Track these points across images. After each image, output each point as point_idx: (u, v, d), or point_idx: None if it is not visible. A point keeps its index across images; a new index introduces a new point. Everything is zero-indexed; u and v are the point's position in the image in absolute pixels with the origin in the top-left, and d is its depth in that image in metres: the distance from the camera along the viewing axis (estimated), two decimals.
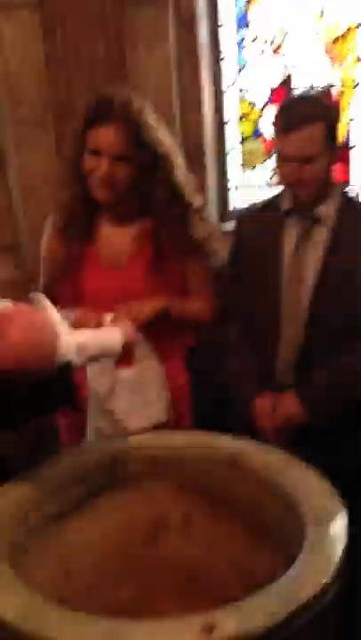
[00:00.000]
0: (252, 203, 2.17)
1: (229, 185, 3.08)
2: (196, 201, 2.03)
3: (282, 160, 1.87)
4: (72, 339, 1.55)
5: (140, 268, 1.98)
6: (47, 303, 1.57)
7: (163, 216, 1.96)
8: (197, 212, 2.02)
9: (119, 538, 1.64)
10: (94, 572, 1.57)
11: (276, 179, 2.67)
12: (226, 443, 1.67)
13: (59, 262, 2.04)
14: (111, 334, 1.70)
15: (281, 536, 1.47)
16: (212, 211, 2.97)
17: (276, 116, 1.90)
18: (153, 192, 1.94)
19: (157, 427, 1.90)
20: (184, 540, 1.66)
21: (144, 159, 1.90)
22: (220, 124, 3.01)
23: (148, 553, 1.66)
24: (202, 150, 2.91)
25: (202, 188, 2.12)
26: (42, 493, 1.53)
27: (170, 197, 1.95)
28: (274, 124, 1.90)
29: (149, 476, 1.68)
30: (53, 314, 1.56)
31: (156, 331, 1.91)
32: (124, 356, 1.90)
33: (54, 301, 2.03)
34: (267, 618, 1.10)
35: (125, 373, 1.93)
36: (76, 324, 1.73)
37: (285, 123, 1.84)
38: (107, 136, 1.86)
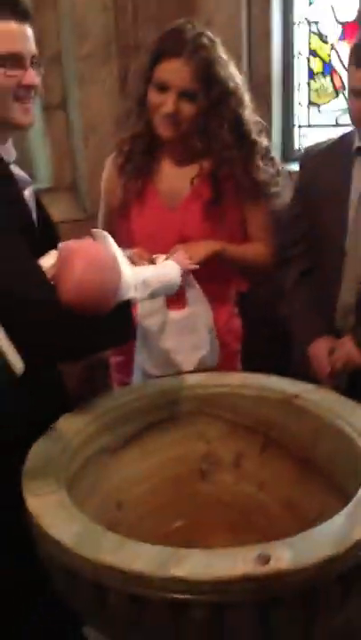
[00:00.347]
0: (318, 142, 2.09)
1: (295, 124, 2.98)
2: (263, 140, 1.97)
3: (354, 96, 1.79)
4: (135, 275, 1.54)
5: (198, 209, 1.95)
6: (110, 239, 1.56)
7: (226, 156, 1.90)
8: (263, 153, 1.96)
9: (171, 473, 1.65)
10: (145, 505, 1.59)
11: (344, 118, 2.59)
12: (280, 384, 1.66)
13: (116, 200, 2.02)
14: (171, 270, 1.69)
15: (335, 477, 1.47)
16: (277, 150, 2.88)
17: (352, 51, 1.81)
18: (218, 131, 1.88)
19: (206, 371, 1.89)
20: (236, 479, 1.67)
21: (212, 96, 1.84)
22: (288, 60, 2.90)
23: (199, 489, 1.67)
24: (269, 87, 2.82)
25: (267, 126, 2.04)
26: (98, 426, 1.55)
27: (235, 136, 1.90)
28: (349, 58, 1.82)
29: (203, 415, 1.69)
30: (116, 250, 1.54)
31: (210, 274, 1.88)
32: (177, 297, 1.89)
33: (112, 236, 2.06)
34: (319, 554, 1.09)
35: (176, 314, 1.92)
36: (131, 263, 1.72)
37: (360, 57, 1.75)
38: (175, 71, 1.80)
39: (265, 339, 2.23)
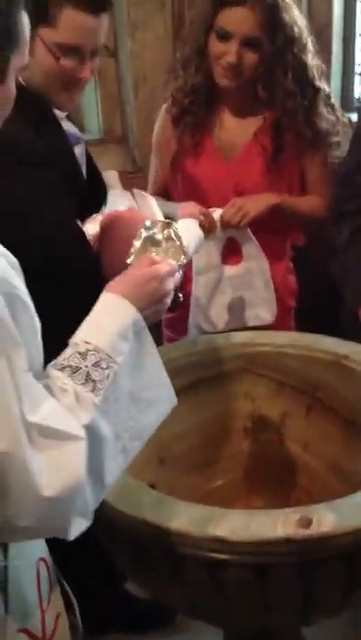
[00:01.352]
0: None
1: (356, 71, 2.83)
2: (325, 87, 1.89)
3: None
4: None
5: (258, 161, 1.89)
6: (150, 201, 1.50)
7: (290, 106, 1.84)
8: (325, 100, 1.89)
9: (215, 431, 1.64)
10: (187, 461, 1.58)
11: None
12: (330, 344, 1.62)
13: (170, 152, 1.97)
14: (194, 228, 1.61)
15: None
16: (336, 98, 2.75)
17: None
18: (283, 79, 1.81)
19: (262, 328, 1.86)
20: (281, 438, 1.65)
21: (277, 43, 1.77)
22: (350, 4, 2.76)
23: (243, 448, 1.66)
24: (328, 32, 2.68)
25: (326, 73, 1.95)
26: None
27: (299, 84, 1.83)
28: None
29: (249, 374, 1.66)
30: (158, 214, 1.49)
31: (267, 227, 1.84)
32: (232, 252, 1.85)
33: (165, 194, 2.02)
34: None
35: (231, 270, 1.89)
36: (189, 213, 1.67)
37: None
38: (239, 19, 1.72)
39: (316, 297, 2.18)
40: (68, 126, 1.52)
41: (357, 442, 1.51)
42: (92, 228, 1.45)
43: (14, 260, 0.90)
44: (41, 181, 1.38)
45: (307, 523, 1.06)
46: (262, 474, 1.63)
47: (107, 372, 0.94)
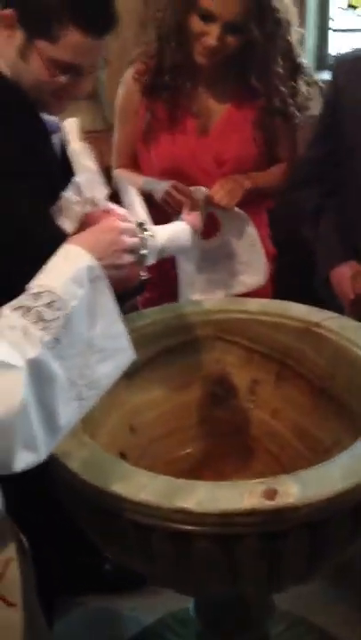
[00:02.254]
0: (355, 48, 1.95)
1: (330, 27, 2.77)
2: (303, 60, 1.87)
3: None
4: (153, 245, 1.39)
5: (236, 134, 1.88)
6: (133, 192, 1.45)
7: (282, 90, 1.82)
8: (304, 73, 1.87)
9: (185, 398, 1.64)
10: (158, 429, 1.58)
11: None
12: (301, 311, 1.61)
13: (139, 121, 1.91)
14: (183, 234, 1.55)
15: (352, 408, 1.44)
16: (310, 55, 2.70)
17: None
18: (273, 66, 1.79)
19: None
20: (250, 405, 1.65)
21: (266, 29, 1.73)
22: None
23: (212, 415, 1.66)
24: None
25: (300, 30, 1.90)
26: None
27: (287, 66, 1.81)
28: None
29: (219, 341, 1.66)
30: (140, 211, 1.40)
31: (243, 200, 1.82)
32: (209, 225, 1.82)
33: (133, 164, 1.97)
34: (328, 490, 1.08)
35: (208, 244, 1.86)
36: (170, 199, 1.66)
37: None
38: (225, 2, 1.67)
39: (289, 263, 2.17)
40: (46, 116, 1.46)
41: (326, 409, 1.52)
42: (69, 225, 1.41)
43: None
44: (23, 193, 1.33)
45: (272, 494, 1.07)
46: (232, 441, 1.64)
47: (58, 313, 0.96)
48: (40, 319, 0.94)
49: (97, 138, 2.79)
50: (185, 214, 1.60)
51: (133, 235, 1.20)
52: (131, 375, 1.54)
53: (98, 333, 1.02)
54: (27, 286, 0.99)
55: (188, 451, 1.62)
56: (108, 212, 1.30)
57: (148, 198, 1.55)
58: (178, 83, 1.84)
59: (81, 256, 1.03)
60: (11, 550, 1.10)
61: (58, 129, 1.52)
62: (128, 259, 1.15)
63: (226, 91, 1.88)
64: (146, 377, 1.58)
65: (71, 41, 1.29)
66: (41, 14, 1.27)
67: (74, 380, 0.97)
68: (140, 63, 1.89)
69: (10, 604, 1.07)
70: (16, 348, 0.90)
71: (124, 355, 1.08)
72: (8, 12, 1.29)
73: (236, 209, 1.80)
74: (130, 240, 1.17)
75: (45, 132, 1.47)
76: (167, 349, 1.61)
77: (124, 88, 1.93)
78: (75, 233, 1.34)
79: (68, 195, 1.45)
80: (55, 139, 1.51)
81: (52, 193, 1.42)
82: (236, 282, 1.87)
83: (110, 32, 1.35)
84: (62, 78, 1.34)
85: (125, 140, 1.98)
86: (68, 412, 0.97)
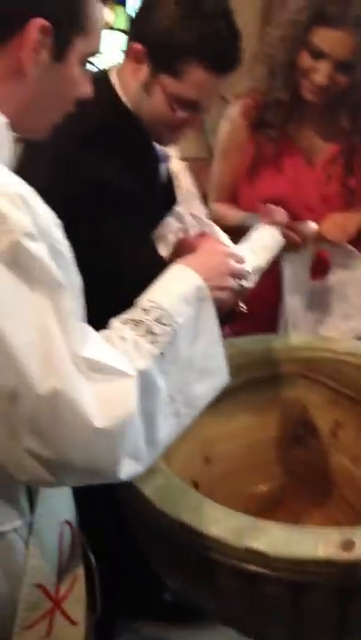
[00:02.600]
0: None
1: None
2: None
3: None
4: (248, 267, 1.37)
5: (340, 172, 1.85)
6: (216, 229, 1.44)
7: None
8: None
9: (264, 434, 1.61)
10: (233, 462, 1.56)
11: None
12: None
13: (243, 158, 1.90)
14: (272, 238, 1.53)
15: None
16: None
17: None
18: None
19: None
20: (331, 448, 1.60)
21: None
22: None
23: (291, 454, 1.62)
24: None
25: None
26: None
27: None
28: None
29: (304, 379, 1.62)
30: (225, 239, 1.40)
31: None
32: (321, 265, 1.79)
33: (231, 200, 1.97)
34: None
35: (320, 284, 1.84)
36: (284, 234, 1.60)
37: None
38: (336, 41, 1.66)
39: None
40: (158, 146, 1.49)
41: None
42: (163, 249, 1.42)
43: (59, 221, 0.90)
44: (138, 223, 1.37)
45: (350, 545, 1.02)
46: (309, 483, 1.59)
47: (167, 328, 0.97)
48: (149, 332, 0.96)
49: (200, 165, 2.84)
50: (263, 214, 1.56)
51: (240, 261, 1.21)
52: (211, 404, 1.53)
53: (198, 352, 1.03)
54: (135, 301, 1.01)
55: (261, 488, 1.58)
56: (203, 236, 1.30)
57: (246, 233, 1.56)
58: (285, 119, 1.83)
59: (190, 276, 1.05)
60: (79, 568, 1.10)
61: (166, 158, 1.55)
62: (232, 282, 1.16)
63: (333, 128, 1.86)
64: (226, 407, 1.55)
65: (195, 78, 1.31)
66: (169, 51, 1.30)
67: (173, 395, 0.98)
68: (248, 99, 1.88)
69: (73, 623, 1.06)
70: (127, 356, 0.91)
71: (219, 376, 1.08)
72: (137, 45, 1.33)
73: (349, 246, 1.77)
74: (236, 265, 1.18)
75: (157, 162, 1.50)
76: (251, 382, 1.58)
77: (230, 123, 1.92)
78: (170, 259, 1.35)
79: (170, 222, 1.48)
80: (162, 167, 1.54)
81: (157, 219, 1.45)
82: (346, 326, 1.82)
83: (234, 71, 1.36)
84: (181, 113, 1.36)
85: (227, 174, 1.97)
86: (167, 427, 0.97)
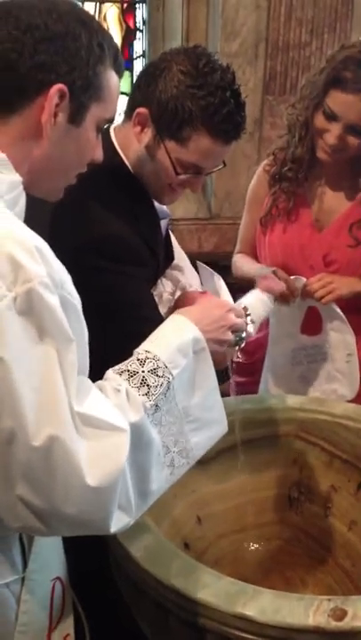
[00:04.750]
0: None
1: None
2: None
3: None
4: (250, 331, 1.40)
5: (350, 235, 1.86)
6: (219, 281, 1.45)
7: None
8: None
9: (258, 495, 1.58)
10: (226, 523, 1.53)
11: None
12: None
13: (263, 209, 1.95)
14: (263, 305, 1.56)
15: None
16: None
17: None
18: None
19: None
20: (326, 512, 1.57)
21: None
22: None
23: (285, 517, 1.59)
24: None
25: None
26: None
27: None
28: None
29: (300, 440, 1.61)
30: (224, 295, 1.42)
31: (348, 304, 1.79)
32: (312, 322, 1.80)
33: (253, 250, 2.01)
34: None
35: (310, 340, 1.84)
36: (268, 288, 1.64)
37: None
38: (349, 103, 1.70)
39: None
40: (157, 204, 1.53)
41: None
42: (161, 308, 1.45)
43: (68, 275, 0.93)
44: (141, 277, 1.42)
45: (341, 614, 1.00)
46: (303, 547, 1.56)
47: (161, 379, 0.99)
48: (144, 384, 0.97)
49: (200, 226, 2.89)
50: (261, 279, 1.59)
51: (240, 315, 1.22)
52: (204, 463, 1.51)
53: (195, 403, 1.04)
54: (134, 351, 1.02)
55: (254, 550, 1.55)
56: (205, 293, 1.32)
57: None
58: (299, 175, 1.88)
59: (188, 328, 1.07)
60: (69, 625, 1.09)
61: (166, 216, 1.58)
62: (230, 336, 1.17)
63: (346, 190, 1.89)
64: (219, 467, 1.54)
65: (200, 145, 1.36)
66: (175, 118, 1.34)
67: (168, 446, 0.99)
68: (272, 155, 1.94)
69: None
70: (121, 410, 0.92)
71: (218, 426, 1.09)
72: (143, 110, 1.37)
73: (337, 310, 1.77)
74: (236, 319, 1.19)
75: (157, 221, 1.53)
76: (244, 442, 1.56)
77: (256, 178, 2.00)
78: (167, 316, 1.37)
79: (166, 283, 1.50)
80: (162, 224, 1.57)
81: (157, 274, 1.48)
82: (328, 387, 1.82)
83: (238, 139, 1.40)
84: (183, 176, 1.40)
85: (249, 226, 2.02)
86: (161, 479, 0.98)
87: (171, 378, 0.99)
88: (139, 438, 0.92)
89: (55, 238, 0.98)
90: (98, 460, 0.86)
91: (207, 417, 1.06)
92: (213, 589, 1.04)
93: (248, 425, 1.58)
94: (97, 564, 1.31)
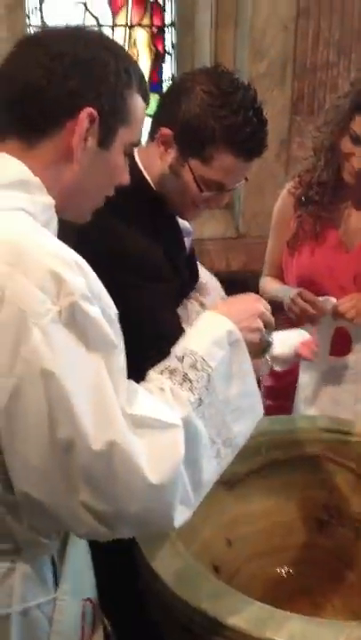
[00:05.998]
0: None
1: None
2: None
3: None
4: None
5: None
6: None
7: None
8: None
9: (287, 517, 1.58)
10: (256, 546, 1.53)
11: None
12: None
13: (288, 232, 1.97)
14: (297, 340, 1.58)
15: None
16: None
17: None
18: None
19: None
20: (357, 535, 1.56)
21: None
22: None
23: (315, 541, 1.59)
24: None
25: None
26: None
27: None
28: None
29: (329, 462, 1.60)
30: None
31: None
32: (341, 343, 1.80)
33: (280, 274, 2.02)
34: None
35: (340, 361, 1.84)
36: (294, 307, 1.70)
37: None
38: None
39: None
40: (181, 221, 1.55)
41: None
42: (186, 325, 1.47)
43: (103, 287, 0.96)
44: (164, 293, 1.43)
45: None
46: (333, 571, 1.55)
47: (202, 373, 1.01)
48: (185, 379, 1.00)
49: (227, 245, 2.90)
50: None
51: (267, 308, 1.22)
52: (232, 485, 1.52)
53: (234, 393, 1.06)
54: (171, 350, 1.05)
55: (284, 573, 1.55)
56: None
57: (280, 306, 1.58)
58: (325, 198, 1.89)
59: (221, 321, 1.09)
60: (98, 638, 1.10)
61: (190, 234, 1.60)
62: (260, 323, 1.17)
63: None
64: (248, 489, 1.54)
65: (223, 163, 1.38)
66: (198, 137, 1.37)
67: (213, 438, 1.01)
68: (297, 177, 1.96)
69: None
70: (169, 407, 0.95)
71: (255, 413, 1.11)
72: (166, 130, 1.40)
73: None
74: (263, 308, 1.19)
75: (181, 237, 1.54)
76: (273, 463, 1.57)
77: (281, 200, 2.01)
78: None
79: (190, 302, 1.52)
80: (186, 242, 1.60)
81: (183, 291, 1.51)
82: (358, 408, 1.81)
83: (260, 156, 1.42)
84: (207, 194, 1.42)
85: (276, 249, 2.04)
86: (210, 469, 1.00)
87: (210, 370, 1.02)
88: (190, 433, 0.95)
89: (81, 254, 1.00)
90: (157, 457, 0.89)
91: (246, 404, 1.08)
92: (244, 614, 1.05)
93: (274, 446, 1.58)
94: (127, 587, 1.32)
